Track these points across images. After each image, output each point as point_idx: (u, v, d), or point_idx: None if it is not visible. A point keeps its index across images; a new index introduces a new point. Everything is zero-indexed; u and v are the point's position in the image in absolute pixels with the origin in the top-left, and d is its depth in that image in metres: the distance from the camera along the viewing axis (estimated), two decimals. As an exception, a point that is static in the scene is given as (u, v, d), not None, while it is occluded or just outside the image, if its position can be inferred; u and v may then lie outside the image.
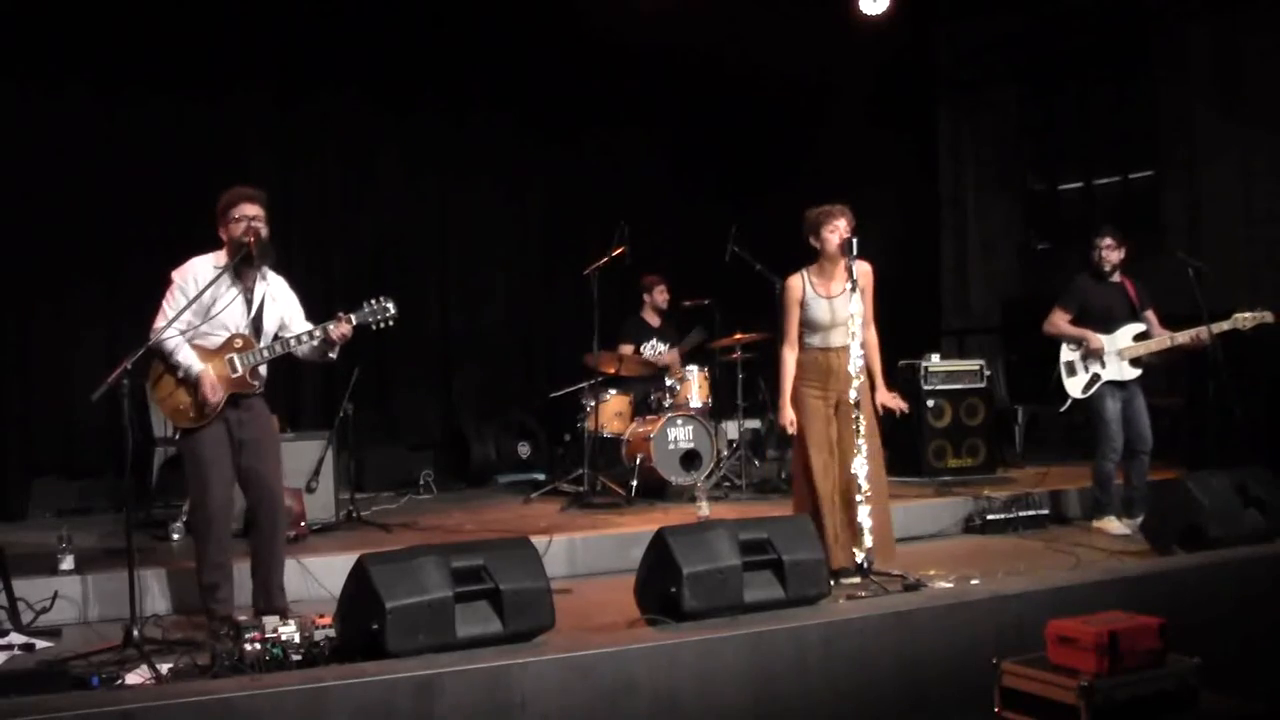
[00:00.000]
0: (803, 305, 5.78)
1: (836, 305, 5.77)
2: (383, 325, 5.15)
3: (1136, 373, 6.86)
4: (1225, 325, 6.60)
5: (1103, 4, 10.33)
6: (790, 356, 5.82)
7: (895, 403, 5.90)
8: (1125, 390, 6.87)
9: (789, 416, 5.76)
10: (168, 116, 8.35)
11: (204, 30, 8.29)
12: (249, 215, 5.02)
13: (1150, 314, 6.90)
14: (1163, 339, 6.79)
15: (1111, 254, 6.92)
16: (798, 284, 5.82)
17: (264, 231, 5.04)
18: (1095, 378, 6.87)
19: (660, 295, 8.73)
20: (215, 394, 4.94)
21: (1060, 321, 6.98)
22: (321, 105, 9.08)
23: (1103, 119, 11.02)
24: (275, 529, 5.11)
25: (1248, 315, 6.57)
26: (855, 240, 5.64)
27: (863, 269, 5.75)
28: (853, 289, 5.66)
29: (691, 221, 9.98)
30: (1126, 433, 6.84)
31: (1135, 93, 10.64)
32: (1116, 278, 6.96)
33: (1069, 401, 6.97)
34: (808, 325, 5.79)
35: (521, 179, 10.08)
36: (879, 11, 9.08)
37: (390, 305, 5.12)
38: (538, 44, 9.47)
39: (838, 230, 5.73)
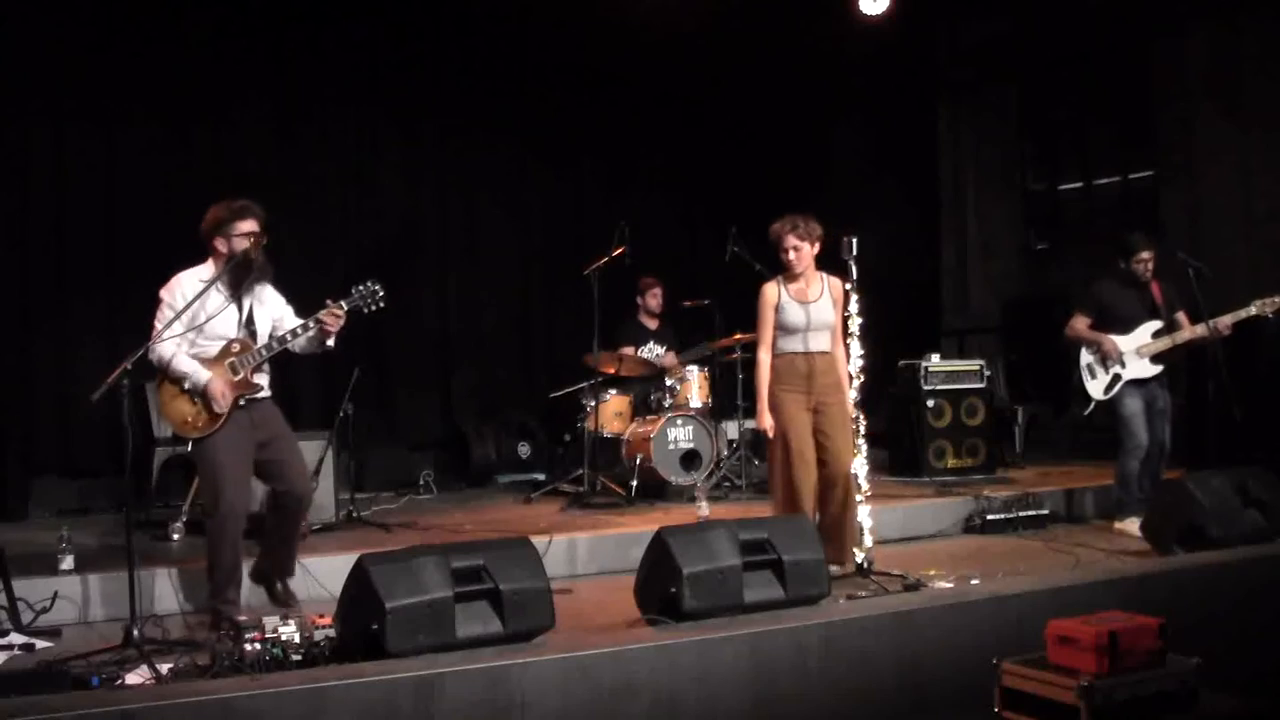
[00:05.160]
0: (778, 310, 5.82)
1: (813, 310, 5.80)
2: (374, 308, 5.19)
3: (1158, 369, 6.87)
4: (1243, 313, 6.62)
5: (1103, 4, 10.33)
6: (766, 361, 5.87)
7: None
8: (1146, 389, 6.88)
9: (768, 422, 5.79)
10: (169, 116, 8.35)
11: (207, 44, 8.32)
12: (254, 232, 5.05)
13: (1181, 315, 6.91)
14: (1178, 335, 6.81)
15: (1151, 264, 6.93)
16: (772, 290, 5.89)
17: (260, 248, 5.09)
18: (1116, 378, 6.89)
19: (653, 299, 8.73)
20: (225, 401, 4.98)
21: (1079, 326, 7.02)
22: (322, 105, 9.09)
23: (1103, 119, 11.01)
24: (298, 522, 5.24)
25: (1266, 301, 6.59)
26: (855, 240, 5.67)
27: (833, 282, 5.81)
28: (850, 289, 5.70)
29: (692, 221, 9.98)
30: (1149, 435, 6.85)
31: (1135, 93, 10.64)
32: (1146, 280, 6.99)
33: (1092, 404, 6.96)
34: (784, 329, 5.83)
35: (522, 179, 10.08)
36: (879, 11, 9.07)
37: (379, 288, 5.16)
38: (538, 46, 9.48)
39: (784, 250, 5.84)
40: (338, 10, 8.89)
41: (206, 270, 5.11)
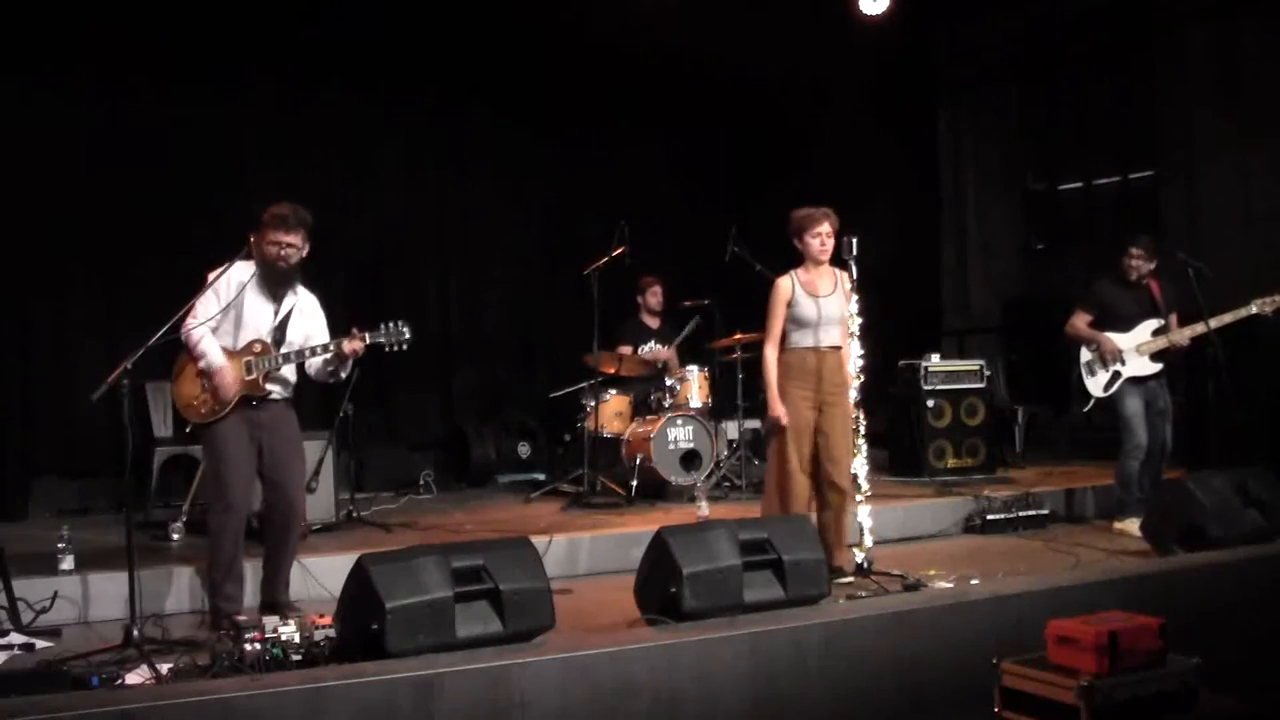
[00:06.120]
0: (790, 304, 5.82)
1: (824, 304, 5.80)
2: (397, 348, 5.24)
3: (1157, 367, 6.89)
4: (1243, 312, 6.62)
5: (1102, 4, 10.33)
6: (772, 356, 5.85)
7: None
8: (1146, 388, 6.89)
9: (780, 409, 5.76)
10: (168, 117, 8.35)
11: (204, 32, 8.29)
12: (283, 242, 5.10)
13: (1174, 318, 6.93)
14: (1173, 335, 6.82)
15: (1142, 265, 6.94)
16: (786, 284, 5.87)
17: (294, 259, 5.13)
18: (1116, 375, 6.90)
19: (653, 297, 8.73)
20: (227, 392, 5.03)
21: (1079, 324, 7.03)
22: (322, 104, 9.08)
23: (1103, 119, 11.00)
24: (288, 533, 5.20)
25: (1266, 300, 6.59)
26: (855, 240, 5.68)
27: (844, 277, 5.82)
28: (852, 288, 5.70)
29: (692, 221, 9.97)
30: (1150, 435, 6.85)
31: (1135, 93, 10.63)
32: (1144, 280, 6.99)
33: (1091, 401, 6.98)
34: (795, 323, 5.83)
35: (522, 179, 10.10)
36: (879, 11, 9.08)
37: (406, 330, 5.22)
38: (538, 45, 9.47)
39: (819, 235, 5.79)
40: (337, 10, 8.87)
41: (255, 265, 5.19)
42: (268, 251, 5.10)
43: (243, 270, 5.15)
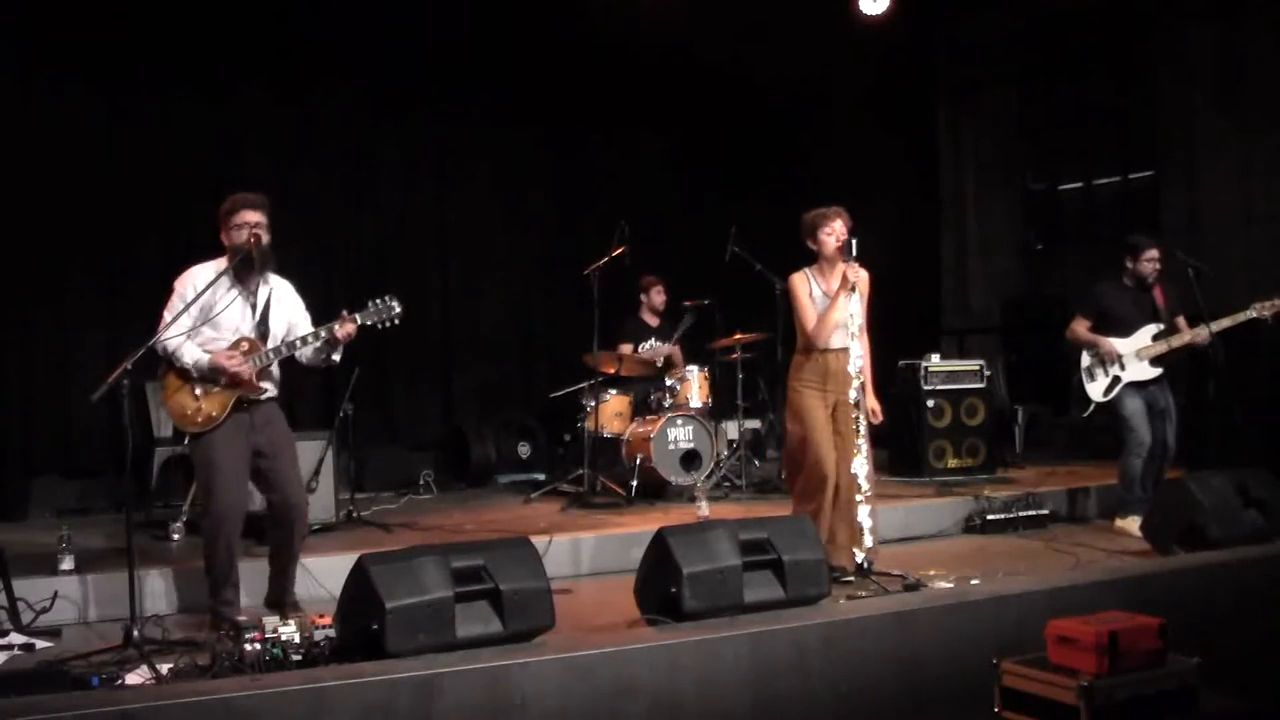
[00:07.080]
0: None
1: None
2: (389, 324, 5.14)
3: (1157, 371, 6.88)
4: (1242, 316, 6.62)
5: (1103, 4, 10.34)
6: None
7: (877, 411, 5.84)
8: (1146, 392, 6.89)
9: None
10: (167, 116, 8.35)
11: (204, 29, 8.27)
12: (250, 222, 5.03)
13: (1180, 320, 6.92)
14: (1174, 338, 6.81)
15: (1158, 265, 6.91)
16: (803, 280, 5.87)
17: (265, 238, 5.05)
18: (1116, 380, 6.89)
19: (657, 296, 8.73)
20: (241, 370, 4.94)
21: (1079, 328, 7.02)
22: (322, 104, 9.08)
23: (1103, 119, 11.02)
24: (290, 534, 5.14)
25: (1264, 304, 6.59)
26: (855, 241, 5.67)
27: (860, 275, 5.79)
28: (851, 289, 5.70)
29: (692, 221, 9.98)
30: (1151, 435, 6.85)
31: (1135, 93, 10.65)
32: (1150, 283, 6.99)
33: (1091, 406, 6.97)
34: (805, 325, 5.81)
35: (522, 179, 10.08)
36: (879, 11, 9.09)
37: (396, 304, 5.11)
38: (538, 45, 9.46)
39: (834, 233, 5.77)
40: (337, 7, 8.86)
41: (220, 264, 5.11)
42: (239, 237, 5.00)
43: (206, 272, 5.06)
